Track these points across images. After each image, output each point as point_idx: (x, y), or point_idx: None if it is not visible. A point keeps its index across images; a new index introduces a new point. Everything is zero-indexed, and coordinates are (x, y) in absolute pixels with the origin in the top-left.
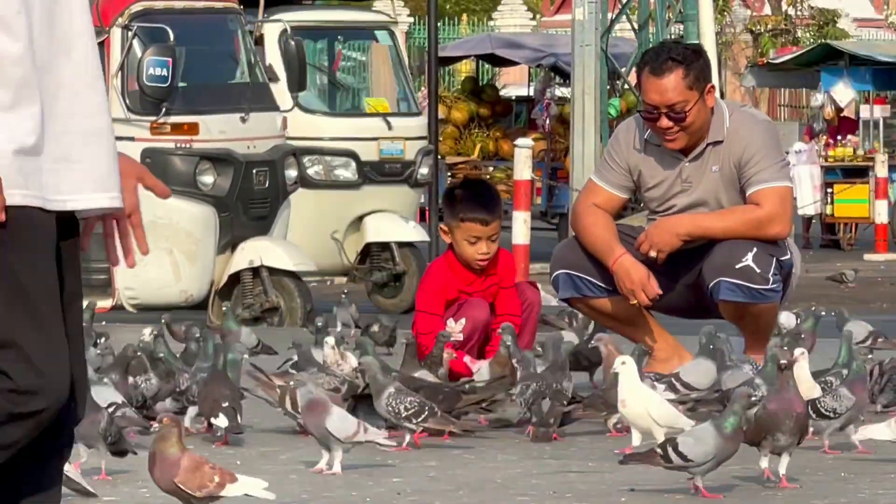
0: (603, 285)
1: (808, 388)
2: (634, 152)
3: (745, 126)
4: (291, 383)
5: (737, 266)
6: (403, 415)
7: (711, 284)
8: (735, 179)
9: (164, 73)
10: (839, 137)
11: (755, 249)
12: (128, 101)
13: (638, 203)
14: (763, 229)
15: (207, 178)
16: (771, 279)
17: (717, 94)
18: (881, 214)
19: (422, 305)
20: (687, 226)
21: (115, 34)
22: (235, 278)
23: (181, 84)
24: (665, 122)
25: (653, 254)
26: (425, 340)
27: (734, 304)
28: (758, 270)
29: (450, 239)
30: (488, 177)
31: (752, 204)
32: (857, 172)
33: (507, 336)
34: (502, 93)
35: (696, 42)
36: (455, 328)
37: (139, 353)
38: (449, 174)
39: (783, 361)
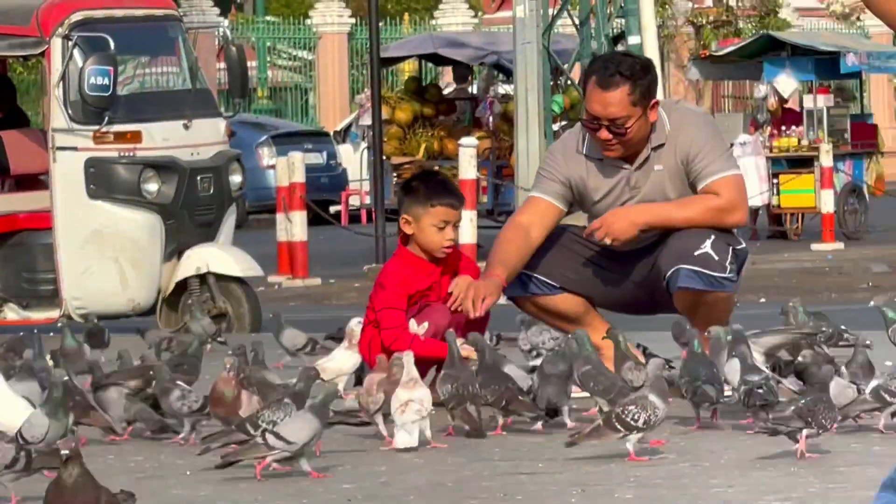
0: (552, 283)
1: None
2: (575, 168)
3: (686, 122)
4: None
5: (695, 253)
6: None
7: (669, 273)
8: (682, 174)
9: (106, 81)
10: (783, 128)
11: (712, 237)
12: (70, 111)
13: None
14: (723, 217)
15: (152, 186)
16: (728, 267)
17: (660, 93)
18: (827, 204)
19: (383, 303)
20: (646, 215)
21: (56, 44)
22: (182, 285)
23: (123, 92)
24: (605, 133)
25: (607, 241)
26: (389, 335)
27: (691, 292)
28: (716, 258)
29: (411, 230)
30: None
31: (710, 193)
32: (802, 162)
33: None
34: (446, 92)
35: (646, 56)
36: (418, 331)
37: None
38: (394, 175)
39: None
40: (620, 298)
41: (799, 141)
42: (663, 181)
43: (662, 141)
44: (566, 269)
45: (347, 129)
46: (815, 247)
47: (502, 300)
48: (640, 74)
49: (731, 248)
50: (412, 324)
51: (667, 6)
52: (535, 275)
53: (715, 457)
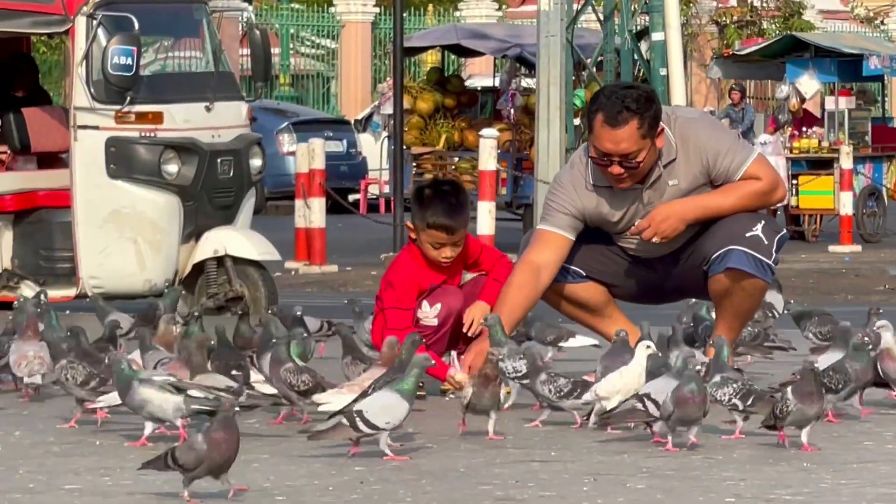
0: (578, 269)
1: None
2: (588, 200)
3: (688, 131)
4: None
5: (747, 235)
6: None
7: (718, 253)
8: (701, 182)
9: (129, 61)
10: (804, 129)
11: (763, 221)
12: (92, 90)
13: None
14: (769, 198)
15: (172, 168)
16: (773, 255)
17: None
18: (846, 206)
19: (391, 302)
20: (695, 210)
21: (80, 23)
22: (199, 268)
23: (146, 73)
24: (617, 168)
25: (656, 240)
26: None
27: (736, 274)
28: (765, 242)
29: (415, 235)
30: (453, 167)
31: (751, 179)
32: (822, 164)
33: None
34: (468, 83)
35: (649, 86)
36: (430, 313)
37: None
38: (414, 165)
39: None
40: (646, 288)
41: (819, 142)
42: (680, 194)
43: (672, 157)
44: (592, 260)
45: (368, 117)
46: (832, 248)
47: None
48: (646, 106)
49: (776, 236)
50: (425, 305)
51: (691, 4)
52: (564, 264)
53: (727, 450)
